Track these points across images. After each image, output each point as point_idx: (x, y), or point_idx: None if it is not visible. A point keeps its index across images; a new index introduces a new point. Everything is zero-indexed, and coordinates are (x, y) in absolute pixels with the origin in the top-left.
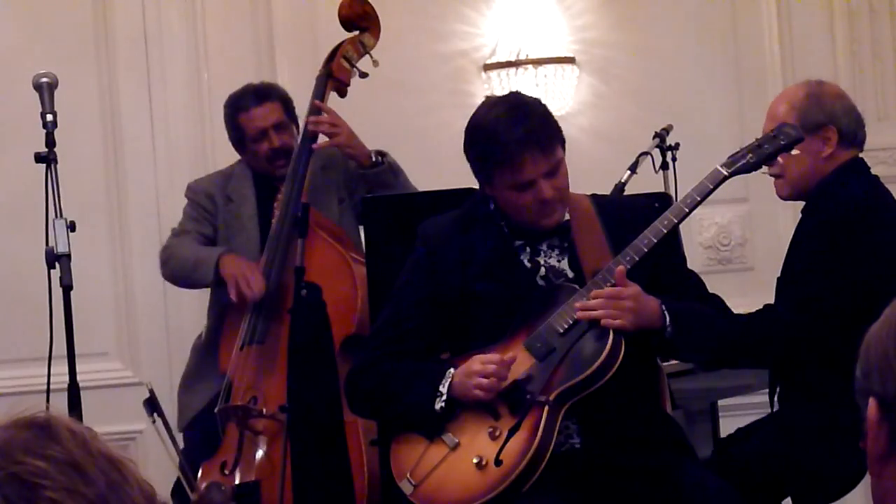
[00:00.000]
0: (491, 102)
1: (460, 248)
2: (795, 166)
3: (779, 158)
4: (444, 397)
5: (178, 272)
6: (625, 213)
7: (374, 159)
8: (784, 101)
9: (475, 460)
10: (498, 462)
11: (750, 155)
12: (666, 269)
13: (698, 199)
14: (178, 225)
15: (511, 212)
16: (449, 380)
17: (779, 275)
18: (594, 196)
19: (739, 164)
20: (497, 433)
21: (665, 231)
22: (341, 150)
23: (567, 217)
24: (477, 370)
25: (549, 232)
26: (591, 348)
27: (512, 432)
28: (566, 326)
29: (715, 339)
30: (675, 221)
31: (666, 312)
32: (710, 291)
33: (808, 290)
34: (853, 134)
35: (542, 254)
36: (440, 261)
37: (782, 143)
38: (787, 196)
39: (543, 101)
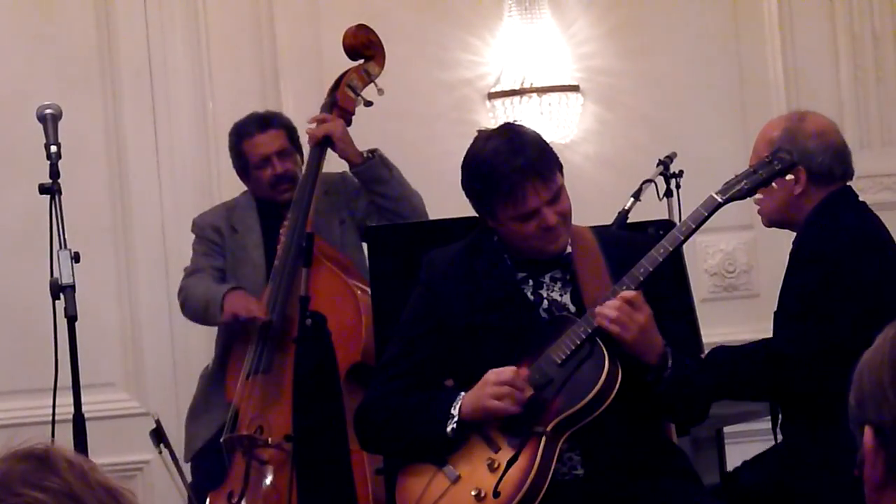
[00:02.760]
0: (485, 136)
1: (464, 280)
2: (769, 200)
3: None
4: (456, 419)
5: (193, 314)
6: (628, 247)
7: (365, 156)
8: (763, 137)
9: (474, 493)
10: (496, 494)
11: (745, 181)
12: (663, 313)
13: (693, 226)
14: (190, 264)
15: (515, 242)
16: (459, 402)
17: (776, 308)
18: (596, 229)
19: (734, 191)
20: (496, 465)
21: (661, 259)
22: (333, 143)
23: (569, 250)
24: (492, 380)
25: (551, 265)
26: (587, 377)
27: (510, 464)
28: (563, 357)
29: (697, 399)
30: (671, 249)
31: (669, 356)
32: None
33: (801, 324)
34: (827, 173)
35: (545, 287)
36: (444, 294)
37: (777, 168)
38: (767, 225)
39: (537, 130)
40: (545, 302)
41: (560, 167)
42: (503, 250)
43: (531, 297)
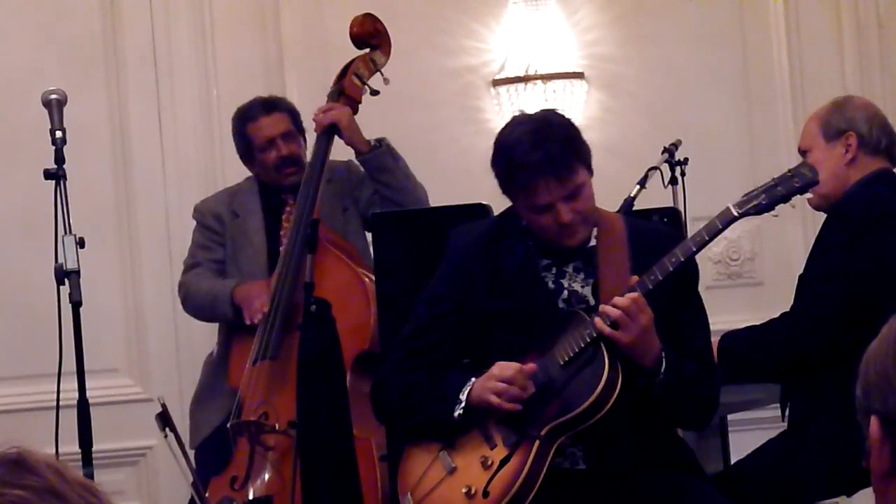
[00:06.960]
0: (518, 121)
1: (487, 263)
2: (820, 171)
3: None
4: (463, 405)
5: (198, 310)
6: (655, 240)
7: (372, 144)
8: (813, 117)
9: (464, 490)
10: (485, 493)
11: (763, 195)
12: (674, 320)
13: (707, 238)
14: (188, 256)
15: (535, 230)
16: (469, 388)
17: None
18: (628, 218)
19: (751, 205)
20: (489, 463)
21: (671, 269)
22: (340, 130)
23: (594, 242)
24: (496, 374)
25: (576, 254)
26: (585, 385)
27: (502, 464)
28: (567, 358)
29: (696, 406)
30: (682, 259)
31: (664, 360)
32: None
33: (824, 285)
34: (876, 141)
35: (567, 276)
36: (466, 275)
37: (797, 185)
38: (817, 206)
39: (572, 121)
40: (565, 292)
41: (587, 164)
42: (529, 235)
43: (552, 286)
